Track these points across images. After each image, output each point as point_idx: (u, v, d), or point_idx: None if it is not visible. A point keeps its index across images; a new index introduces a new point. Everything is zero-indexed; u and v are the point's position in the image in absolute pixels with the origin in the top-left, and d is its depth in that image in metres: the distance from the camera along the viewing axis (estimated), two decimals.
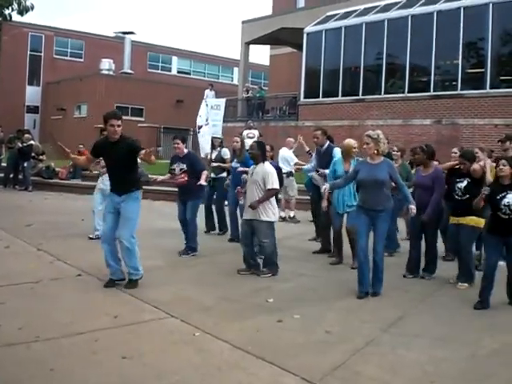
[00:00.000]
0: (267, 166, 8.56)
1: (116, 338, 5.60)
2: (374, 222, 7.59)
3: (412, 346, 5.68)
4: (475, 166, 7.97)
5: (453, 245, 8.42)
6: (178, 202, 10.17)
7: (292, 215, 14.41)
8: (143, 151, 7.21)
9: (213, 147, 12.38)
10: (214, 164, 11.92)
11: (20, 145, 20.00)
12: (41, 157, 21.31)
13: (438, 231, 9.13)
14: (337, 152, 9.99)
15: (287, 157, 14.40)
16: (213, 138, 12.60)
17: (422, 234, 8.84)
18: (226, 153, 11.96)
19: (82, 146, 22.59)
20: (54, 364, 4.87)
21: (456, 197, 8.13)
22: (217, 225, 12.20)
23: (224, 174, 11.81)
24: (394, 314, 6.76)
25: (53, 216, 13.62)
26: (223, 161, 11.90)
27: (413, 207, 7.72)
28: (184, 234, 10.05)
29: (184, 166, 9.80)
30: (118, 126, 7.34)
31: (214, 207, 12.14)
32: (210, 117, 21.99)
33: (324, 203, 9.39)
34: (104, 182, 10.94)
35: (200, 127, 24.43)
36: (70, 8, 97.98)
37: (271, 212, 8.52)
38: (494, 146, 11.00)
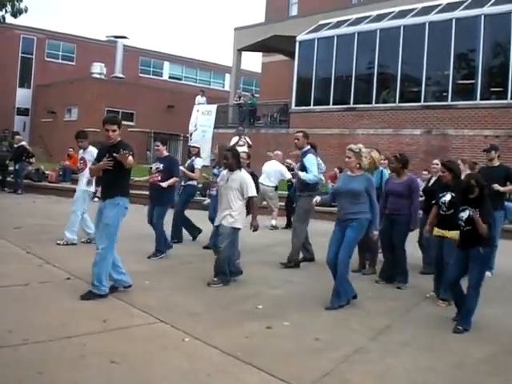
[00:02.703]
0: (244, 174, 8.50)
1: (105, 343, 5.58)
2: (344, 231, 7.53)
3: (400, 354, 5.71)
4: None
5: (436, 256, 8.23)
6: (148, 204, 10.22)
7: (274, 224, 14.52)
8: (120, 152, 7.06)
9: (188, 155, 12.27)
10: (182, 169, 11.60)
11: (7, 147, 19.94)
12: (31, 160, 21.22)
13: (417, 243, 9.20)
14: (308, 159, 9.79)
15: (278, 171, 14.47)
16: (190, 147, 12.50)
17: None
18: (198, 163, 11.76)
19: (71, 150, 22.59)
20: (42, 367, 4.85)
21: (441, 211, 7.92)
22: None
23: (191, 183, 11.69)
24: (382, 323, 6.80)
25: (42, 219, 13.58)
26: (192, 170, 11.66)
27: (376, 233, 7.81)
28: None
29: (160, 166, 9.95)
30: (113, 130, 7.31)
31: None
32: (200, 122, 21.99)
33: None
34: (78, 184, 11.01)
35: (191, 134, 24.45)
36: (62, 11, 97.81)
37: (238, 218, 8.36)
38: (482, 157, 11.08)
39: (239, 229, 8.47)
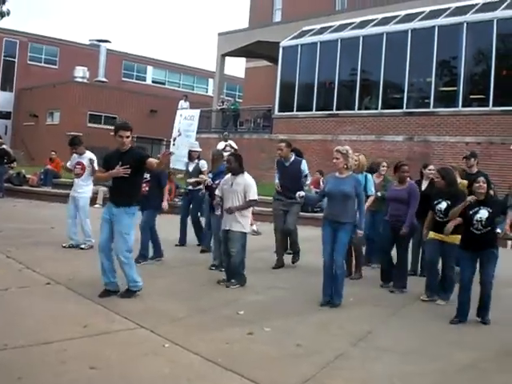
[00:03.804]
0: (248, 178, 8.74)
1: (85, 348, 5.53)
2: (336, 233, 7.77)
3: (381, 359, 5.72)
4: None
5: (431, 258, 8.41)
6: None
7: (255, 229, 14.51)
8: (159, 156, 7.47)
9: (190, 159, 12.31)
10: (191, 180, 11.79)
11: None
12: (12, 164, 21.02)
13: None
14: (305, 165, 10.14)
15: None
16: (191, 151, 12.51)
17: (392, 247, 9.08)
18: (204, 165, 11.87)
19: (54, 153, 22.44)
20: (21, 372, 4.79)
21: (437, 219, 8.20)
22: (190, 237, 12.11)
23: (201, 187, 11.70)
24: (363, 328, 6.80)
25: (22, 223, 13.43)
26: (201, 173, 11.75)
27: (361, 232, 8.16)
28: (152, 243, 10.21)
29: (147, 176, 9.82)
30: (127, 137, 7.41)
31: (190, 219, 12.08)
32: (183, 127, 21.94)
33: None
34: (76, 190, 10.95)
35: (174, 139, 24.38)
36: (45, 14, 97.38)
37: (245, 223, 8.68)
38: (463, 164, 11.18)
39: (246, 233, 8.75)
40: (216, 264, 9.73)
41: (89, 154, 11.04)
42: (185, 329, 6.33)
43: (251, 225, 14.56)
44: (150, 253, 10.14)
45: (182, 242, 12.05)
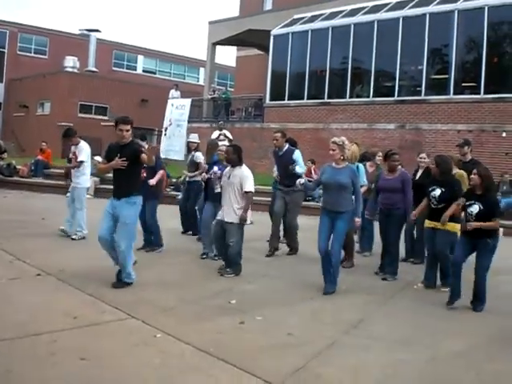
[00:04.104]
0: (245, 170, 8.78)
1: (75, 339, 5.49)
2: (333, 222, 7.85)
3: (373, 348, 5.70)
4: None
5: (429, 247, 8.49)
6: None
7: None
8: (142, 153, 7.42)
9: (188, 151, 12.34)
10: (191, 174, 11.81)
11: None
12: (2, 155, 20.87)
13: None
14: (297, 155, 10.14)
15: None
16: (189, 142, 12.47)
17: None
18: (199, 157, 11.78)
19: (44, 144, 22.36)
20: (11, 365, 4.76)
21: (432, 205, 8.29)
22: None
23: (198, 178, 11.62)
24: (356, 316, 6.80)
25: (13, 215, 13.38)
26: (196, 165, 11.75)
27: (358, 220, 8.20)
28: (143, 231, 10.18)
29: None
30: (127, 130, 7.51)
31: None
32: (174, 117, 21.88)
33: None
34: (74, 181, 10.95)
35: (166, 129, 24.32)
36: (34, 3, 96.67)
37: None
38: (455, 151, 11.14)
39: (245, 224, 8.81)
40: (206, 252, 9.76)
41: (82, 144, 11.01)
42: (176, 319, 6.31)
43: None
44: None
45: (188, 229, 12.18)
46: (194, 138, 12.35)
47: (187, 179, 12.02)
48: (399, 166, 9.26)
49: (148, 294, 7.28)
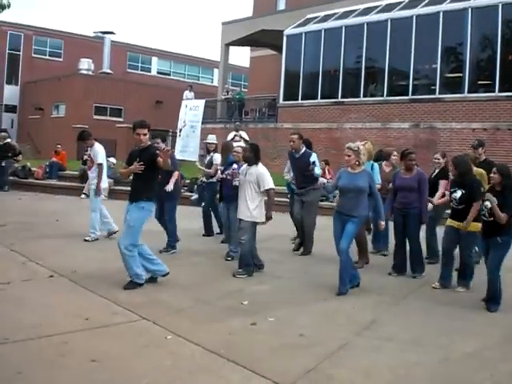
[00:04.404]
0: (261, 168, 8.77)
1: (86, 341, 5.50)
2: (345, 224, 7.84)
3: (385, 349, 5.66)
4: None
5: (445, 246, 8.40)
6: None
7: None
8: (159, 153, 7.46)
9: (207, 152, 12.34)
10: (206, 175, 11.90)
11: None
12: (17, 157, 20.99)
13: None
14: (315, 158, 10.10)
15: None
16: (207, 144, 12.49)
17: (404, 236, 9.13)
18: (217, 158, 11.77)
19: (59, 146, 22.45)
20: (21, 367, 4.77)
21: (454, 206, 8.26)
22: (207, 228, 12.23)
23: (214, 179, 11.57)
24: (368, 317, 6.75)
25: (26, 216, 13.44)
26: (211, 166, 11.78)
27: (383, 223, 8.25)
28: (166, 231, 10.27)
29: None
30: (144, 134, 7.61)
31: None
32: (188, 118, 21.91)
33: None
34: (89, 183, 11.04)
35: (180, 130, 24.40)
36: (48, 6, 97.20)
37: (257, 213, 8.66)
38: (470, 151, 11.04)
39: (258, 223, 8.76)
40: (231, 255, 9.80)
41: (96, 146, 11.04)
42: (188, 320, 6.30)
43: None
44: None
45: (208, 232, 12.13)
46: (212, 139, 12.35)
47: (203, 180, 12.11)
48: (416, 166, 9.24)
49: (160, 294, 7.29)
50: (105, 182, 11.33)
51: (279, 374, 4.87)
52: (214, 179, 11.39)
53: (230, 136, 19.60)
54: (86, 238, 10.72)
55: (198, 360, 5.16)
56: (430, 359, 5.43)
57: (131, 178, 7.85)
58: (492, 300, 7.27)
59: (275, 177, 14.80)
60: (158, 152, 7.57)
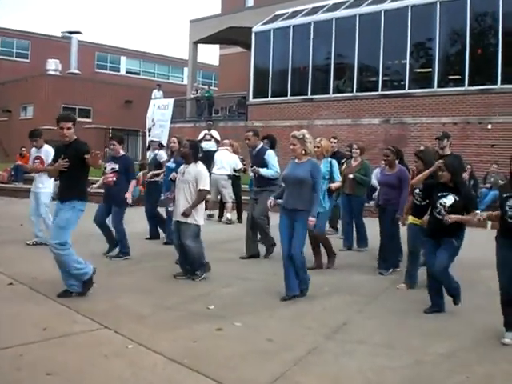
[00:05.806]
0: (200, 167, 8.35)
1: (42, 353, 5.21)
2: (293, 223, 7.36)
3: (356, 353, 5.46)
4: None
5: (412, 244, 8.16)
6: (100, 204, 9.86)
7: (229, 217, 14.37)
8: (88, 154, 6.83)
9: (148, 149, 12.12)
10: (149, 174, 11.57)
11: None
12: None
13: None
14: (270, 155, 9.88)
15: (229, 160, 14.35)
16: (150, 142, 12.31)
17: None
18: (162, 156, 11.52)
19: (24, 149, 22.06)
20: None
21: (416, 202, 7.91)
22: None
23: (158, 179, 11.34)
24: (339, 320, 6.55)
25: None
26: (159, 163, 11.46)
27: (312, 219, 7.37)
28: (105, 237, 9.86)
29: (116, 167, 9.64)
30: (68, 128, 7.06)
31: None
32: (156, 117, 21.68)
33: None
34: (37, 185, 10.59)
35: (149, 130, 24.19)
36: (15, 7, 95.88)
37: (197, 215, 8.24)
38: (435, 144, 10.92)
39: (199, 225, 8.32)
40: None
41: (46, 147, 10.62)
42: (150, 327, 6.03)
43: (227, 213, 14.47)
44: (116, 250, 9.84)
45: (152, 234, 11.70)
46: (155, 137, 12.21)
47: (147, 180, 11.68)
48: (395, 162, 9.15)
49: (122, 301, 6.98)
50: (51, 187, 10.84)
51: (245, 383, 4.65)
52: (159, 178, 11.17)
53: (201, 135, 19.39)
54: (28, 242, 10.44)
55: (159, 371, 4.90)
56: (402, 363, 5.23)
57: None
58: (453, 296, 6.96)
59: (244, 177, 14.68)
60: (87, 149, 6.92)
